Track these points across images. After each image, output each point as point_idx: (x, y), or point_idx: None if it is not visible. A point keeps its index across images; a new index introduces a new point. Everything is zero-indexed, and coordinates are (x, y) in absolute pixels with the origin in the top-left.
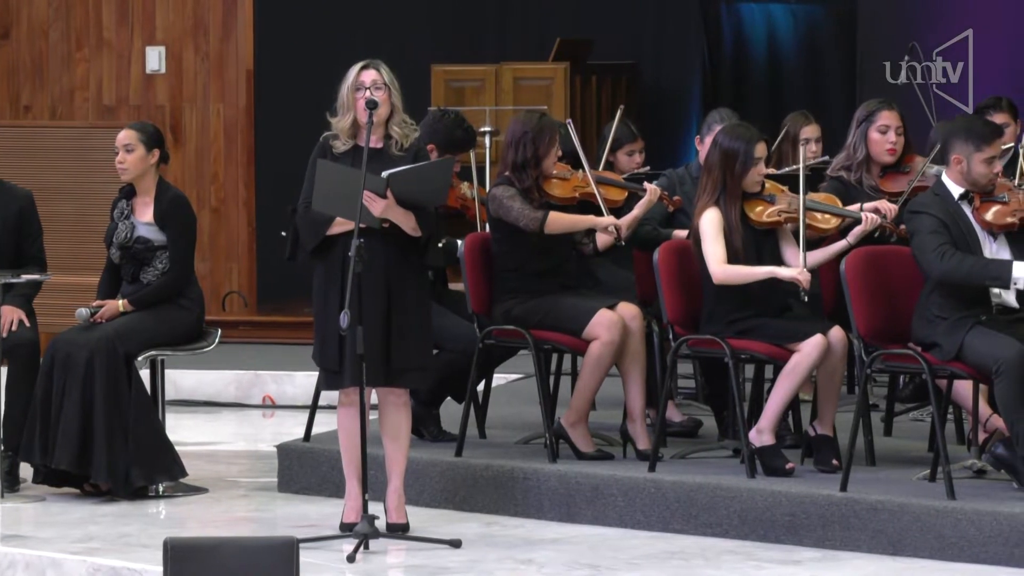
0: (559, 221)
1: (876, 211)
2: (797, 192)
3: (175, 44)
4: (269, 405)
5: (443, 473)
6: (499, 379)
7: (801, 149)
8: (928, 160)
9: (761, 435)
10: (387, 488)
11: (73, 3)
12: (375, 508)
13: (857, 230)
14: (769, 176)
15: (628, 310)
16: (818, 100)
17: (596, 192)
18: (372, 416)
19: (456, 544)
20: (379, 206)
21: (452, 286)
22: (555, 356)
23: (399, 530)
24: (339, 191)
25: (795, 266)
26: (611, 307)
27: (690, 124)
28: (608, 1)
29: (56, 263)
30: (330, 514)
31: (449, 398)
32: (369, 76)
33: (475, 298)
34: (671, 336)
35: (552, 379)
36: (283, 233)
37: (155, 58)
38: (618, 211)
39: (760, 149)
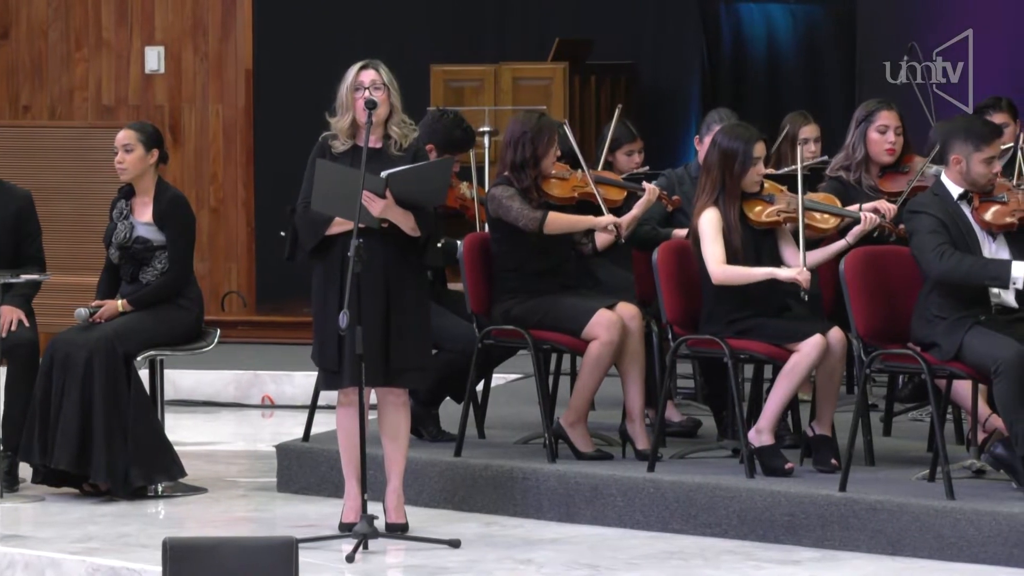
0: (558, 221)
1: (875, 211)
2: (796, 192)
3: (174, 44)
4: (268, 405)
5: (442, 473)
6: (498, 379)
7: (800, 149)
8: (927, 160)
9: (760, 435)
10: (386, 488)
11: (72, 3)
12: (374, 508)
13: (856, 230)
14: (768, 176)
15: (627, 310)
16: (817, 100)
17: (595, 192)
18: (371, 416)
19: (455, 544)
20: (378, 206)
21: (451, 286)
22: (554, 356)
23: (398, 530)
24: (338, 191)
25: (794, 266)
26: (610, 307)
27: (689, 124)
28: (607, 1)
29: (55, 263)
30: (329, 514)
31: (448, 398)
32: (368, 76)
33: (474, 298)
34: (670, 336)
35: (551, 379)
36: (282, 233)
37: (154, 58)
38: (617, 211)
39: (759, 149)
